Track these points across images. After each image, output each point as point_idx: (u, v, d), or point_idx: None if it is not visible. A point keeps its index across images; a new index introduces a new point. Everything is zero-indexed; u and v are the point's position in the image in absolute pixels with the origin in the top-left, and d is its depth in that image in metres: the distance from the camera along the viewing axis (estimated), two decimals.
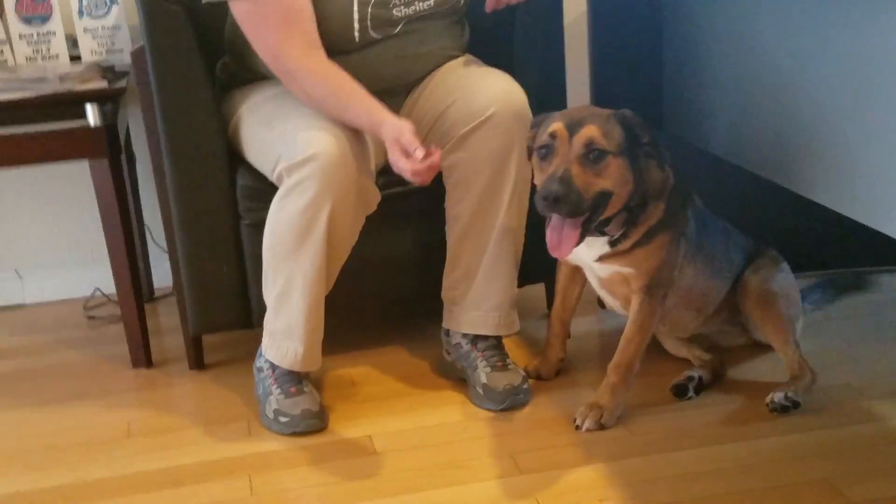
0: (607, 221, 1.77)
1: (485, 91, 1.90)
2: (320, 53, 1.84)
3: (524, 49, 2.11)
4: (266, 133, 1.91)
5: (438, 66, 2.03)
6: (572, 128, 1.69)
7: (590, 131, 1.68)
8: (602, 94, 2.41)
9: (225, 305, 2.10)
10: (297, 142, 1.80)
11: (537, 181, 1.74)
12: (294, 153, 1.79)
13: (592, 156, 1.67)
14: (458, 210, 1.97)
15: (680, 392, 1.96)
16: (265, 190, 1.94)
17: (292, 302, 1.87)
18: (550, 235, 1.71)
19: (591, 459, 1.75)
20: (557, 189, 1.63)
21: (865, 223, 1.69)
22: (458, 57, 2.07)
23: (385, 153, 1.98)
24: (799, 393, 1.87)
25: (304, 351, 1.90)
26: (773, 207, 2.34)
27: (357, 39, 1.90)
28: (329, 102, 1.83)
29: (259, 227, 1.99)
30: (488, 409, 1.94)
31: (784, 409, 1.86)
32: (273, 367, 1.93)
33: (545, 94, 2.09)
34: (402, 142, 1.72)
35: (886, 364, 2.04)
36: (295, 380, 1.93)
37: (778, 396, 1.87)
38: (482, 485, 1.70)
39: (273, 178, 1.87)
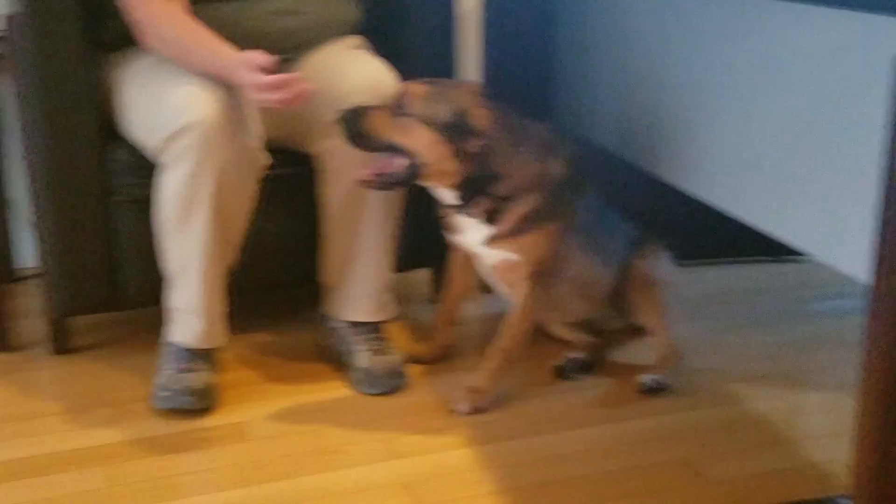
0: (468, 204, 1.79)
1: (353, 76, 1.88)
2: (178, 5, 1.79)
3: (415, 36, 2.10)
4: (141, 101, 1.84)
5: (324, 37, 1.98)
6: (415, 85, 1.75)
7: (413, 90, 1.74)
8: (493, 87, 2.35)
9: (92, 286, 2.02)
10: (171, 111, 1.74)
11: None
12: (169, 123, 1.73)
13: (397, 110, 1.73)
14: (329, 195, 1.95)
15: (561, 374, 2.00)
16: (139, 164, 1.87)
17: (188, 277, 1.82)
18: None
19: (465, 443, 1.76)
20: (347, 112, 1.74)
21: (733, 214, 1.75)
22: (346, 35, 2.03)
23: (270, 126, 1.93)
24: (668, 375, 1.93)
25: (204, 327, 1.85)
26: (660, 198, 2.38)
27: None
28: (180, 46, 1.77)
29: (132, 203, 1.93)
30: (369, 393, 1.93)
31: (653, 391, 1.91)
32: (173, 343, 1.89)
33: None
34: (256, 62, 1.67)
35: (751, 349, 2.12)
36: (191, 356, 1.87)
37: (647, 379, 1.93)
38: (355, 470, 1.69)
39: (152, 149, 1.81)
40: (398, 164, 1.75)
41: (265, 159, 1.84)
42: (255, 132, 1.82)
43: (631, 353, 2.10)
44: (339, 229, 1.96)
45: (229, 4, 1.86)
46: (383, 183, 1.78)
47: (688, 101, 1.83)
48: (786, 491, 1.58)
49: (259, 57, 1.68)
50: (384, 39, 2.08)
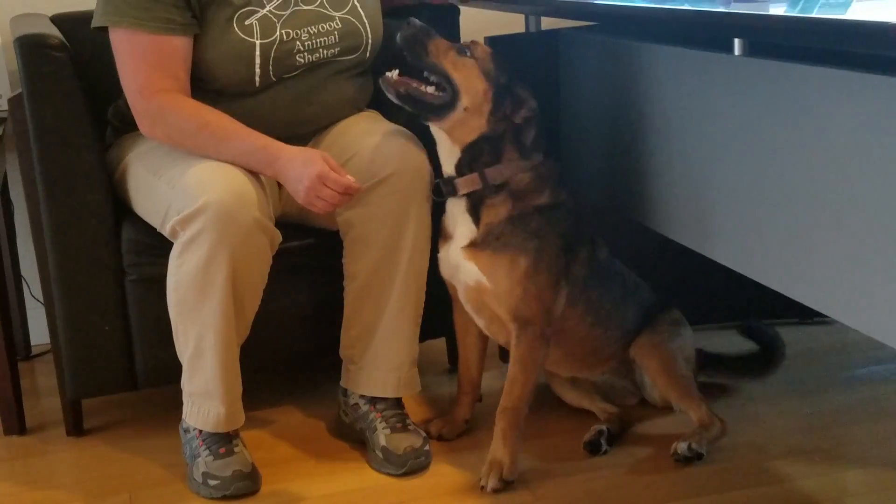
0: (461, 173, 1.80)
1: (384, 149, 1.85)
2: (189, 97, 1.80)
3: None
4: (154, 182, 1.82)
5: (339, 118, 1.99)
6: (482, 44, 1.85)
7: (482, 45, 1.84)
8: None
9: (107, 366, 1.97)
10: (186, 191, 1.72)
11: None
12: (184, 204, 1.71)
13: (461, 49, 1.80)
14: (356, 267, 1.90)
15: (594, 448, 1.92)
16: (152, 244, 1.85)
17: (206, 362, 1.77)
18: None
19: None
20: (417, 24, 1.78)
21: (753, 276, 1.68)
22: (361, 111, 2.02)
23: (285, 202, 1.91)
24: (703, 444, 1.86)
25: (225, 411, 1.80)
26: (678, 259, 2.33)
27: (258, 84, 1.85)
28: (203, 136, 1.76)
29: (146, 282, 1.90)
30: (388, 474, 1.86)
31: (687, 461, 1.84)
32: (194, 427, 1.83)
33: None
34: (325, 168, 1.72)
35: (788, 421, 2.04)
36: (224, 439, 1.82)
37: (682, 447, 1.85)
38: None
39: (166, 231, 1.78)
40: (433, 93, 1.78)
41: (279, 236, 1.80)
42: (270, 211, 1.78)
43: (661, 424, 2.03)
44: (363, 300, 1.91)
45: (254, 98, 1.87)
46: (408, 97, 1.78)
47: (702, 163, 1.77)
48: None
49: (328, 158, 1.74)
50: (393, 108, 2.02)
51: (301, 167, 1.73)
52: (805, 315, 2.51)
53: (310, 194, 1.73)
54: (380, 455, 1.87)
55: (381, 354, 1.91)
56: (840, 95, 1.40)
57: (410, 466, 1.85)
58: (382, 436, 1.88)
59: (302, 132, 1.93)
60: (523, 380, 1.81)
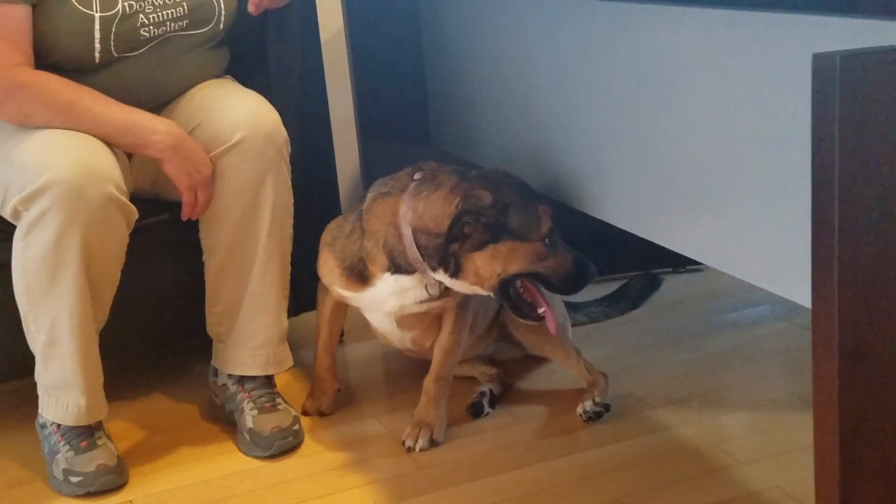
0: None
1: (231, 113, 1.74)
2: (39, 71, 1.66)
3: (281, 69, 2.00)
4: None
5: (189, 87, 1.87)
6: None
7: None
8: (366, 111, 2.35)
9: None
10: (27, 168, 1.58)
11: (540, 266, 1.66)
12: (26, 182, 1.57)
13: None
14: (212, 242, 1.79)
15: (476, 411, 1.90)
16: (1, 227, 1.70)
17: (61, 349, 1.64)
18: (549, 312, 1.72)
19: (380, 501, 1.62)
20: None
21: (636, 232, 1.67)
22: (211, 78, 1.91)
23: (138, 175, 1.81)
24: (604, 396, 1.86)
25: (85, 402, 1.68)
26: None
27: (97, 60, 1.72)
28: (63, 113, 1.63)
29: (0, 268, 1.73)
30: (256, 457, 1.78)
31: (598, 416, 1.84)
32: (53, 422, 1.70)
33: (307, 114, 2.01)
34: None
35: (665, 370, 2.05)
36: (85, 432, 1.70)
37: (587, 405, 1.85)
38: None
39: (7, 214, 1.64)
40: None
41: (134, 210, 1.68)
42: (122, 183, 1.66)
43: (539, 379, 2.04)
44: (224, 276, 1.81)
45: (96, 74, 1.74)
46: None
47: (579, 118, 1.75)
48: None
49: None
50: (250, 75, 1.97)
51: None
52: (678, 264, 2.54)
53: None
54: (247, 437, 1.79)
55: (246, 331, 1.82)
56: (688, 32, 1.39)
57: (278, 447, 1.77)
58: (249, 417, 1.79)
59: (149, 108, 1.78)
60: (457, 350, 1.84)
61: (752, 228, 1.35)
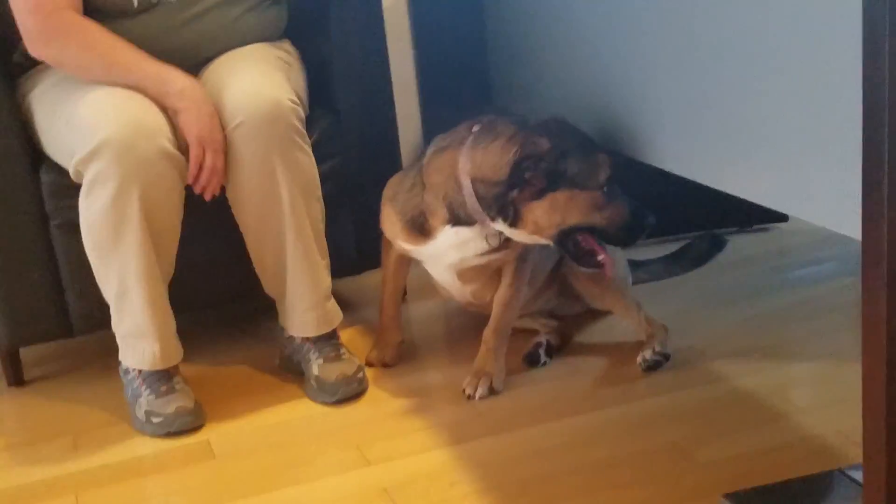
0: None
1: (236, 94, 1.75)
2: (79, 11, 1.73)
3: (342, 34, 2.04)
4: (54, 123, 1.77)
5: (224, 49, 1.90)
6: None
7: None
8: (428, 73, 2.37)
9: (40, 314, 1.93)
10: (82, 130, 1.67)
11: (598, 216, 1.67)
12: (82, 144, 1.66)
13: None
14: (242, 217, 1.84)
15: (533, 360, 1.93)
16: (72, 185, 1.78)
17: (132, 300, 1.74)
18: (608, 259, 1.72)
19: (440, 444, 1.68)
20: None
21: (706, 183, 1.67)
22: (258, 41, 1.94)
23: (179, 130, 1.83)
24: (665, 345, 1.87)
25: (160, 347, 1.77)
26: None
27: (136, 4, 1.78)
28: (109, 57, 1.71)
29: (70, 226, 1.84)
30: (323, 403, 1.85)
31: (657, 364, 1.86)
32: (133, 368, 1.81)
33: (368, 78, 2.05)
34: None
35: (727, 324, 2.06)
36: (164, 377, 1.80)
37: (647, 354, 1.86)
38: (329, 480, 1.61)
39: (72, 174, 1.73)
40: None
41: (186, 163, 1.75)
42: (172, 135, 1.73)
43: (600, 333, 2.06)
44: (262, 250, 1.86)
45: (134, 19, 1.80)
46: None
47: (632, 66, 1.75)
48: (782, 469, 1.48)
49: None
50: (311, 39, 2.02)
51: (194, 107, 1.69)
52: (744, 224, 2.53)
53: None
54: (314, 384, 1.86)
55: (292, 299, 1.87)
56: None
57: (343, 393, 1.84)
58: (315, 366, 1.86)
59: (185, 64, 1.82)
60: (515, 302, 1.88)
61: (803, 165, 1.35)
